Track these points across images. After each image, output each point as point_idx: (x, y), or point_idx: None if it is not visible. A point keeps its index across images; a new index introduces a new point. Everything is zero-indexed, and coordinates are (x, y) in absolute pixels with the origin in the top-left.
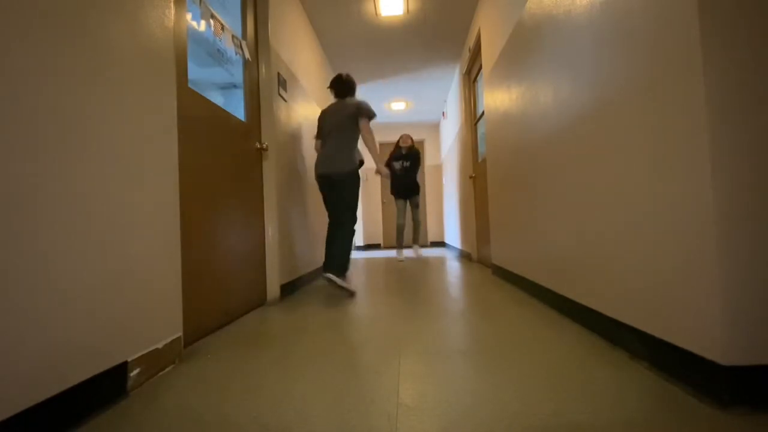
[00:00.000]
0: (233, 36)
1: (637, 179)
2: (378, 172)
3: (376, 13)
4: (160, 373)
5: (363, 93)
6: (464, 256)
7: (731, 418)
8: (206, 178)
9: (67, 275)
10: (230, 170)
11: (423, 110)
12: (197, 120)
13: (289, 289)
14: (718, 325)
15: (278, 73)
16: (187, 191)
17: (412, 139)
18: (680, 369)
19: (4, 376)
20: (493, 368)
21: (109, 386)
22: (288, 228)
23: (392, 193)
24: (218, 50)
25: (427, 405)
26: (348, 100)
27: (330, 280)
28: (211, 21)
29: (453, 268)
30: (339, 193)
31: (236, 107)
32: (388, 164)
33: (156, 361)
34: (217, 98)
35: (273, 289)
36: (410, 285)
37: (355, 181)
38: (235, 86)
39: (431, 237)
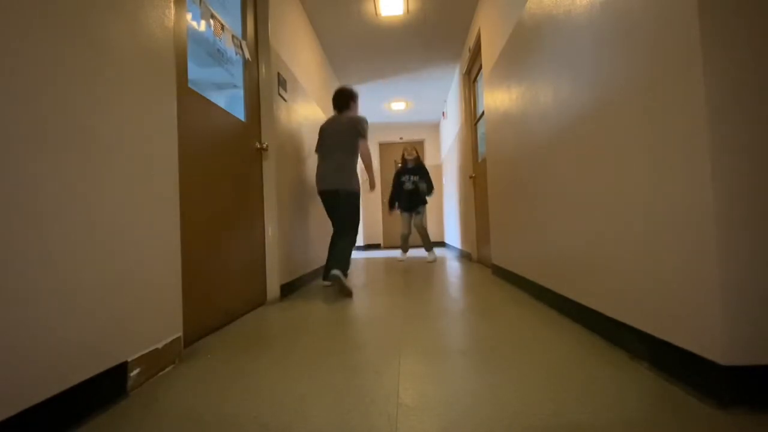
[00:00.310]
0: (233, 36)
1: (637, 179)
2: (371, 185)
3: (376, 13)
4: (160, 373)
5: (363, 93)
6: (464, 256)
7: (731, 418)
8: (206, 178)
9: (67, 275)
10: (230, 170)
11: (423, 110)
12: (197, 120)
13: (289, 289)
14: (718, 325)
15: (278, 73)
16: (187, 191)
17: (416, 150)
18: (680, 369)
19: (4, 376)
20: (493, 368)
21: (109, 386)
22: (288, 228)
23: (399, 207)
24: (218, 50)
25: (427, 405)
26: (345, 116)
27: (335, 277)
28: (211, 21)
29: (453, 268)
30: (342, 209)
31: (236, 107)
32: (396, 182)
33: (156, 361)
34: (217, 98)
35: (273, 289)
36: (410, 285)
37: (356, 200)
38: (235, 86)
39: (431, 237)
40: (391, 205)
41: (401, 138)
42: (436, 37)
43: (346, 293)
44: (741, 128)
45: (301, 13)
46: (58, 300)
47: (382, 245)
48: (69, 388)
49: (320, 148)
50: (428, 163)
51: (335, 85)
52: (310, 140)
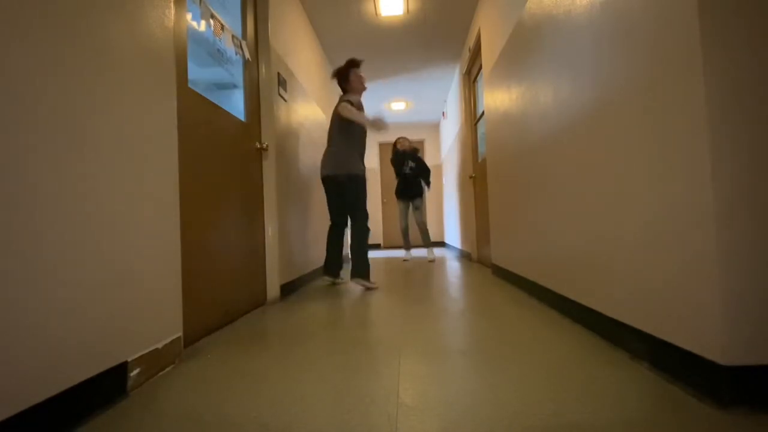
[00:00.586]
0: (233, 36)
1: (637, 179)
2: (375, 125)
3: (376, 13)
4: (160, 373)
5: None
6: (464, 256)
7: (731, 418)
8: (206, 178)
9: (67, 275)
10: (230, 170)
11: (423, 110)
12: (197, 120)
13: (289, 289)
14: (718, 325)
15: (278, 73)
16: (187, 191)
17: (408, 140)
18: (680, 369)
19: (4, 376)
20: (493, 368)
21: (109, 386)
22: (288, 228)
23: (396, 194)
24: (218, 50)
25: (427, 405)
26: (342, 97)
27: (359, 284)
28: (211, 21)
29: (453, 268)
30: (344, 194)
31: (236, 107)
32: (398, 170)
33: (156, 361)
34: (217, 98)
35: (273, 288)
36: (410, 285)
37: (358, 183)
38: (235, 86)
39: (431, 237)
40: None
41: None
42: (436, 37)
43: (374, 288)
44: (741, 128)
45: (301, 13)
46: (58, 300)
47: (382, 245)
48: (69, 388)
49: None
50: (428, 163)
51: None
52: (310, 140)
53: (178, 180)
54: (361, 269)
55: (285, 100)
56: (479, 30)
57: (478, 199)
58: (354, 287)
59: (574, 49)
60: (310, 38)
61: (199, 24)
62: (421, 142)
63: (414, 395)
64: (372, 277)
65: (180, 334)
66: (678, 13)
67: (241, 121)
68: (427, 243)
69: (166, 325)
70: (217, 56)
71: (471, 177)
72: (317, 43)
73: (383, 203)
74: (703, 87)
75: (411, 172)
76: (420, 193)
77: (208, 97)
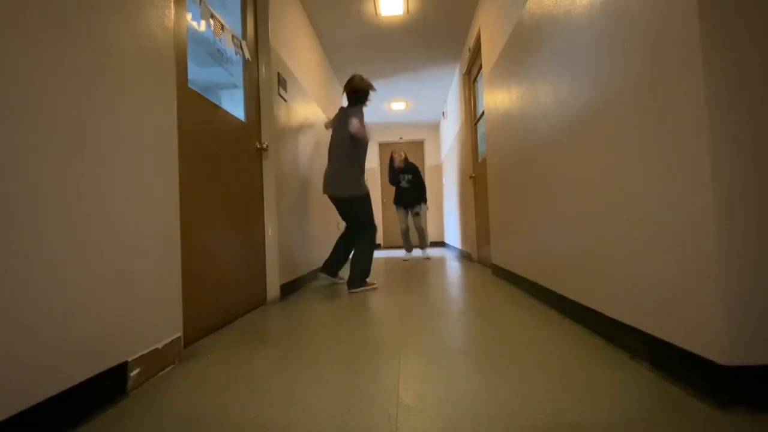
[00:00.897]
0: (233, 36)
1: (637, 179)
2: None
3: (376, 13)
4: (160, 373)
5: None
6: (464, 256)
7: (731, 418)
8: (206, 178)
9: (67, 275)
10: (230, 170)
11: (423, 110)
12: (197, 120)
13: (289, 289)
14: (718, 325)
15: (278, 73)
16: (188, 191)
17: (405, 152)
18: (680, 369)
19: (4, 376)
20: (493, 368)
21: (109, 386)
22: (288, 228)
23: (394, 202)
24: (218, 50)
25: (427, 405)
26: (348, 110)
27: (359, 292)
28: (211, 21)
29: (453, 268)
30: (350, 214)
31: (236, 107)
32: (392, 181)
33: (156, 361)
34: (216, 98)
35: (273, 288)
36: (410, 285)
37: (362, 202)
38: (235, 86)
39: (431, 237)
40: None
41: (401, 138)
42: (436, 37)
43: (372, 289)
44: (741, 128)
45: (301, 13)
46: (58, 300)
47: (382, 245)
48: (69, 388)
49: (329, 145)
50: (428, 163)
51: (335, 85)
52: (310, 140)
53: (178, 180)
54: (357, 280)
55: (285, 100)
56: (479, 30)
57: (478, 199)
58: (353, 291)
59: (574, 49)
60: (310, 38)
61: (199, 24)
62: (421, 142)
63: (414, 395)
64: (372, 277)
65: (180, 334)
66: (678, 13)
67: (241, 121)
68: (424, 246)
69: (166, 325)
70: (217, 56)
71: (471, 177)
72: (317, 43)
73: (383, 203)
74: (703, 87)
75: (408, 185)
76: (419, 201)
77: (208, 97)
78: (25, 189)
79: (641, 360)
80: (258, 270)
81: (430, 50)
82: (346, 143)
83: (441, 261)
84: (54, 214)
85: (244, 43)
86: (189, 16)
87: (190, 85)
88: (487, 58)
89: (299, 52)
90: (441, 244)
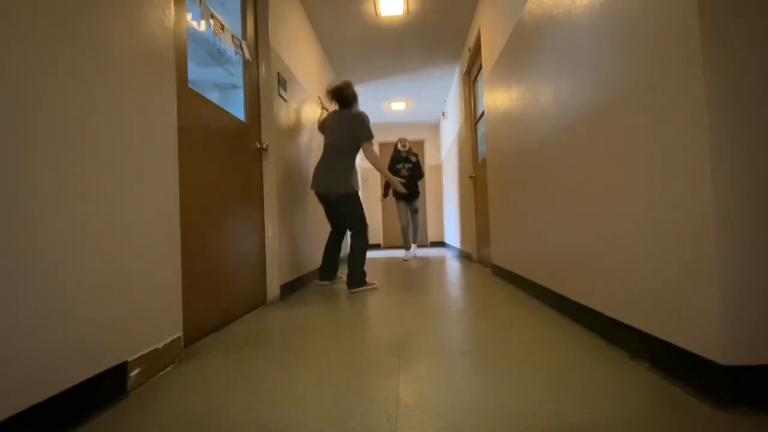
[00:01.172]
0: (233, 36)
1: (637, 179)
2: (395, 189)
3: (376, 13)
4: (160, 373)
5: (363, 93)
6: (464, 256)
7: (731, 418)
8: (206, 178)
9: (67, 275)
10: (230, 170)
11: (423, 110)
12: (197, 120)
13: (289, 289)
14: (718, 325)
15: (278, 73)
16: (187, 191)
17: (409, 142)
18: (680, 369)
19: (4, 375)
20: (493, 368)
21: (109, 386)
22: (288, 228)
23: (393, 195)
24: (218, 50)
25: (427, 405)
26: (347, 112)
27: (359, 292)
28: (211, 21)
29: (453, 268)
30: (340, 213)
31: (236, 107)
32: (391, 169)
33: (156, 361)
34: (217, 98)
35: (273, 288)
36: (410, 285)
37: (352, 201)
38: (235, 86)
39: (431, 237)
40: (386, 193)
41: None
42: (436, 37)
43: (373, 289)
44: (741, 128)
45: (301, 13)
46: (58, 300)
47: (382, 245)
48: (69, 388)
49: (324, 143)
50: (428, 163)
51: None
52: (310, 140)
53: (178, 180)
54: (357, 279)
55: (285, 100)
56: (479, 30)
57: (478, 199)
58: (353, 290)
59: (574, 49)
60: (310, 38)
61: (199, 24)
62: (421, 142)
63: (414, 395)
64: (372, 278)
65: (180, 334)
66: (678, 13)
67: (241, 121)
68: (414, 240)
69: (166, 325)
70: (217, 56)
71: (471, 177)
72: (317, 43)
73: (383, 203)
74: (703, 87)
75: (408, 173)
76: (416, 196)
77: (208, 97)
78: (25, 189)
79: (641, 360)
80: (258, 270)
81: (430, 50)
82: (345, 144)
83: (441, 261)
84: (54, 214)
85: (244, 43)
86: (189, 16)
87: (190, 85)
88: (487, 58)
89: (299, 52)
90: (441, 244)
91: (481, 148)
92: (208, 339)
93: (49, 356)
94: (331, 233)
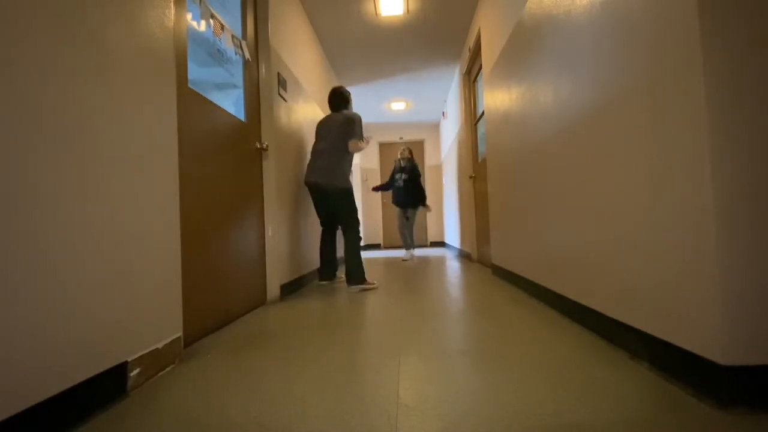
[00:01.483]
0: (233, 36)
1: (637, 179)
2: (359, 145)
3: (376, 13)
4: (160, 373)
5: (363, 93)
6: (464, 256)
7: (731, 418)
8: (206, 178)
9: (67, 275)
10: (230, 170)
11: (423, 110)
12: (197, 120)
13: (289, 289)
14: (718, 325)
15: (278, 73)
16: (187, 191)
17: (409, 150)
18: (680, 369)
19: (4, 376)
20: (493, 368)
21: (109, 386)
22: (288, 228)
23: (393, 202)
24: (218, 50)
25: (427, 405)
26: (341, 114)
27: (359, 289)
28: (211, 21)
29: (453, 268)
30: (334, 206)
31: (236, 107)
32: (390, 181)
33: (156, 361)
34: (216, 98)
35: (273, 288)
36: (410, 285)
37: (348, 197)
38: (234, 86)
39: (431, 237)
40: (377, 189)
41: (401, 138)
42: (436, 37)
43: (373, 288)
44: (741, 128)
45: (301, 13)
46: (58, 300)
47: (382, 245)
48: (69, 387)
49: (314, 145)
50: (428, 163)
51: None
52: (310, 140)
53: (177, 180)
54: (357, 275)
55: (285, 100)
56: (479, 30)
57: (478, 199)
58: (353, 287)
59: (574, 49)
60: (310, 38)
61: (199, 24)
62: (421, 142)
63: (414, 395)
64: (371, 278)
65: (180, 334)
66: (678, 13)
67: (241, 121)
68: (410, 246)
69: (166, 325)
70: (217, 56)
71: (471, 177)
72: (317, 43)
73: (383, 203)
74: (703, 87)
75: (404, 184)
76: (413, 205)
77: (208, 97)
78: (25, 189)
79: (641, 360)
80: (258, 270)
81: (430, 50)
82: (339, 143)
83: (441, 261)
84: (54, 214)
85: (244, 43)
86: (189, 16)
87: (190, 85)
88: (487, 58)
89: (299, 52)
90: (441, 244)
91: (481, 148)
92: (208, 339)
93: (49, 356)
94: (323, 233)
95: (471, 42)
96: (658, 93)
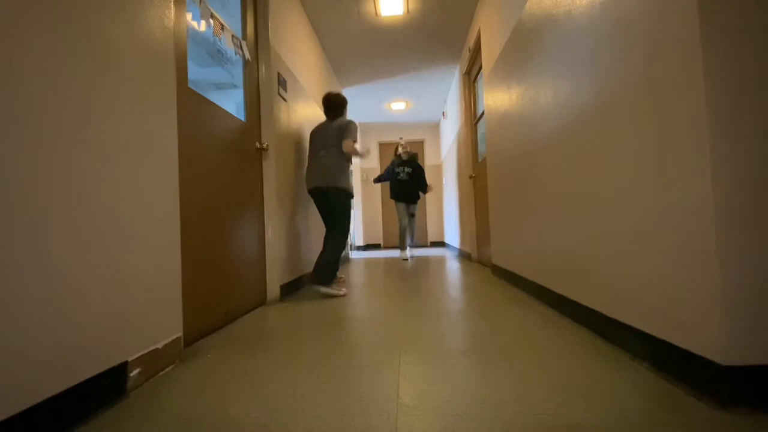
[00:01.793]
0: (233, 36)
1: (636, 179)
2: (362, 157)
3: (376, 13)
4: (160, 373)
5: (363, 93)
6: (464, 256)
7: (731, 418)
8: (206, 178)
9: (67, 276)
10: (230, 170)
11: (423, 110)
12: (197, 120)
13: (289, 289)
14: (718, 325)
15: (278, 73)
16: (187, 191)
17: (410, 147)
18: (680, 369)
19: (4, 375)
20: (493, 368)
21: (109, 386)
22: (288, 228)
23: (392, 197)
24: (218, 50)
25: (427, 405)
26: (335, 122)
27: (320, 291)
28: (211, 21)
29: (453, 268)
30: (332, 208)
31: (236, 107)
32: (391, 173)
33: (156, 361)
34: (216, 98)
35: (273, 289)
36: (410, 285)
37: (346, 199)
38: (234, 86)
39: (431, 237)
40: (377, 180)
41: (401, 138)
42: (436, 37)
43: (340, 296)
44: (741, 129)
45: (301, 13)
46: (58, 300)
47: (382, 245)
48: (69, 387)
49: (310, 152)
50: (428, 163)
51: (335, 85)
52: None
53: (178, 180)
54: (325, 275)
55: (285, 100)
56: (479, 30)
57: (478, 199)
58: (346, 290)
59: (574, 49)
60: (310, 38)
61: (199, 24)
62: (421, 142)
63: (414, 395)
64: (369, 278)
65: (180, 334)
66: (678, 13)
67: (241, 121)
68: (411, 242)
69: (166, 325)
70: (217, 56)
71: (471, 177)
72: (317, 43)
73: (383, 203)
74: (703, 88)
75: (407, 177)
76: (415, 200)
77: (208, 97)
78: (25, 189)
79: (641, 360)
80: (258, 270)
81: (430, 50)
82: (336, 149)
83: (440, 261)
84: (54, 214)
85: (244, 43)
86: (189, 16)
87: (190, 85)
88: (487, 58)
89: (299, 52)
90: (441, 243)
91: (481, 148)
92: (208, 339)
93: (49, 356)
94: (327, 232)
95: (471, 42)
96: (657, 93)
